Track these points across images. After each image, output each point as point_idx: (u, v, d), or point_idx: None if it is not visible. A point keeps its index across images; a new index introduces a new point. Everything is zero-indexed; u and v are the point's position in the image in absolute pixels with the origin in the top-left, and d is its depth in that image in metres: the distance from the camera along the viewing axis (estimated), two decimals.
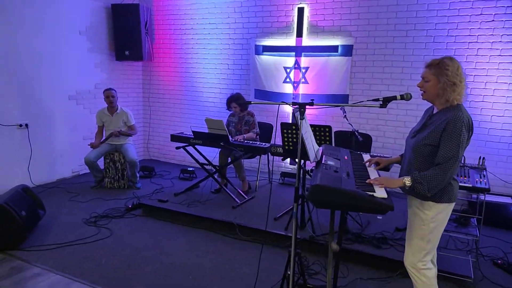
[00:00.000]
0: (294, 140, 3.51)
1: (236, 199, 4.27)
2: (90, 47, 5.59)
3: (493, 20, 4.29)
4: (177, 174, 5.71)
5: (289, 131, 3.49)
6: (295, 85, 5.35)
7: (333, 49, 5.07)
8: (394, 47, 4.79)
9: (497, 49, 4.30)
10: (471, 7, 4.36)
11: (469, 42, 4.43)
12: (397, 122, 4.90)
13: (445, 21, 4.50)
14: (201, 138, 4.39)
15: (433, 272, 2.16)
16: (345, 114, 3.76)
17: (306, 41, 5.23)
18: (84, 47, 5.51)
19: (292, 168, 5.62)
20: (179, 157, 6.45)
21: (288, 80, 5.39)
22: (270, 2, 5.40)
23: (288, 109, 5.49)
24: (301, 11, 5.19)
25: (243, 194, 4.44)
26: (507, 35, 4.24)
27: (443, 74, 2.00)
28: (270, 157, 5.10)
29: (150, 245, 3.48)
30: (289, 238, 3.46)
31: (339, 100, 5.11)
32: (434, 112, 2.14)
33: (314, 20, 5.19)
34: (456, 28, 4.46)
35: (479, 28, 4.36)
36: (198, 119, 6.17)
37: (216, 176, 4.59)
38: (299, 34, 5.24)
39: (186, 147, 4.52)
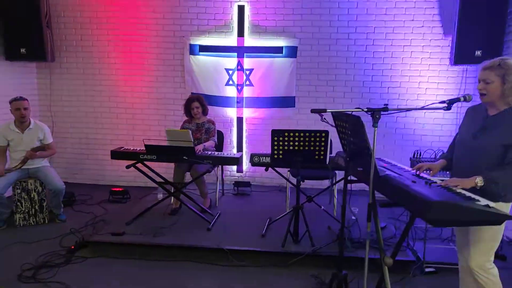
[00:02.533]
0: (285, 148, 3.22)
1: (206, 219, 3.73)
2: None
3: (422, 26, 4.73)
4: (103, 197, 4.78)
5: (280, 139, 3.18)
6: (239, 87, 5.01)
7: (277, 50, 4.90)
8: (338, 49, 4.89)
9: (427, 52, 4.76)
10: (404, 13, 4.73)
11: (404, 46, 4.79)
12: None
13: (383, 25, 4.79)
14: (156, 153, 3.69)
15: (497, 269, 2.17)
16: (324, 117, 3.62)
17: (249, 41, 4.93)
18: None
19: (239, 176, 5.26)
20: (96, 176, 5.43)
21: (231, 82, 5.01)
22: None
23: (231, 113, 5.10)
24: (241, 9, 4.86)
25: (210, 212, 3.91)
26: (435, 39, 4.73)
27: (510, 74, 1.99)
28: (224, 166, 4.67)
29: None
30: (289, 256, 3.15)
31: (286, 102, 4.99)
32: (492, 114, 2.12)
33: (256, 20, 4.93)
34: (393, 32, 4.78)
35: (411, 32, 4.76)
36: (122, 129, 5.30)
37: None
38: (241, 33, 4.91)
39: (135, 165, 3.75)
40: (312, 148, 3.19)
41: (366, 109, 1.91)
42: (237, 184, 4.85)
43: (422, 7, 4.68)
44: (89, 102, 5.32)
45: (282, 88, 4.97)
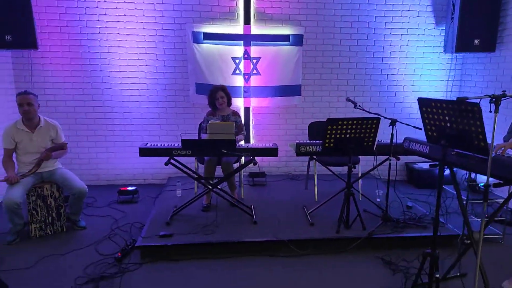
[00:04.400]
0: (338, 136, 3.27)
1: (249, 213, 3.67)
2: None
3: (418, 16, 5.04)
4: (109, 198, 4.45)
5: (334, 127, 3.22)
6: (246, 77, 4.91)
7: (284, 38, 4.87)
8: (341, 37, 5.01)
9: (422, 40, 5.10)
10: (401, 3, 4.99)
11: (401, 34, 5.07)
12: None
13: (382, 15, 5.00)
14: (192, 148, 3.50)
15: None
16: (358, 104, 3.73)
17: (255, 29, 4.83)
18: None
19: (250, 167, 5.17)
20: (90, 176, 4.98)
21: (238, 72, 4.88)
22: None
23: (238, 103, 4.98)
24: None
25: (245, 205, 3.83)
26: (428, 29, 5.07)
27: None
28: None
29: None
30: (345, 241, 3.24)
31: (292, 91, 5.02)
32: None
33: (261, 7, 4.84)
34: (392, 21, 5.03)
35: (408, 22, 5.04)
36: (117, 123, 4.91)
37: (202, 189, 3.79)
38: (247, 21, 4.80)
39: (170, 161, 3.52)
40: (362, 135, 3.29)
41: (491, 95, 2.02)
42: (253, 175, 4.79)
43: None
44: (78, 96, 4.82)
45: (289, 76, 4.97)
